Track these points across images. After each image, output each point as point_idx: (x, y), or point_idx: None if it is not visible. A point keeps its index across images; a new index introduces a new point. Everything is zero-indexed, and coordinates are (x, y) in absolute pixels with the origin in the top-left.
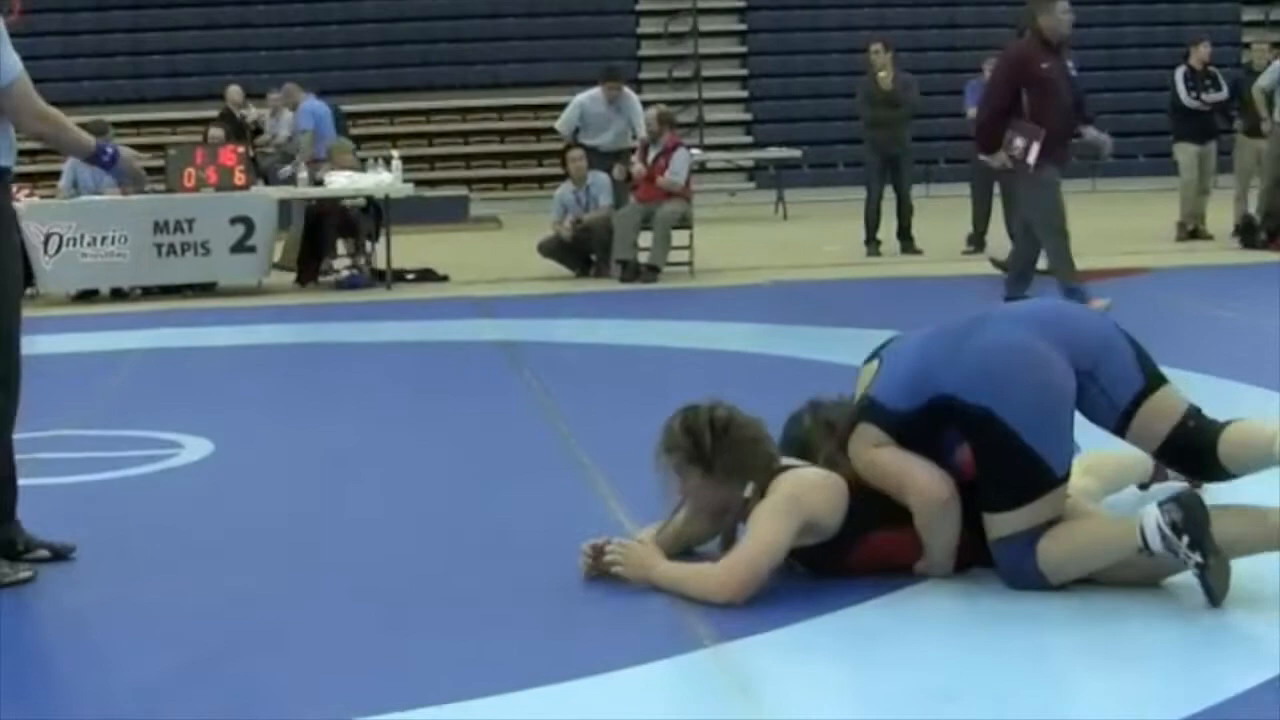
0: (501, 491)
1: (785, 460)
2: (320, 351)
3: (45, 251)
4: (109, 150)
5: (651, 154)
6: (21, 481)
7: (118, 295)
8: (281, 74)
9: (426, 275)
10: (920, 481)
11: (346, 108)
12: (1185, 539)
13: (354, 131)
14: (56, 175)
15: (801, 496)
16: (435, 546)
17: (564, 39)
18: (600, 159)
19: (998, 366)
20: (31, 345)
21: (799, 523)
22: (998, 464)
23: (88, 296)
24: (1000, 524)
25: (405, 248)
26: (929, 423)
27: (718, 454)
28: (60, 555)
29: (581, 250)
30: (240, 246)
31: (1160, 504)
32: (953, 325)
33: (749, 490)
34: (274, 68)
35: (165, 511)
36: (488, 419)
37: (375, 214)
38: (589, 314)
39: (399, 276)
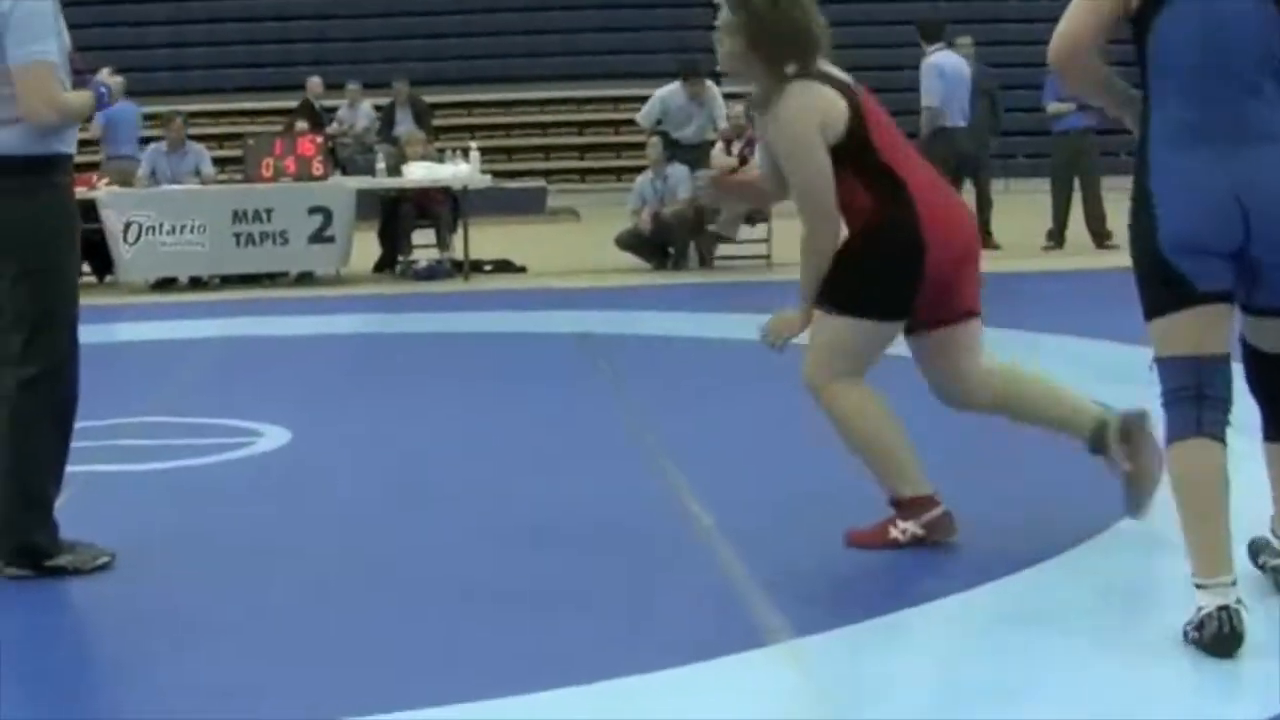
0: (575, 483)
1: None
2: (398, 341)
3: (125, 240)
4: (102, 89)
5: (736, 146)
6: (99, 468)
7: (196, 284)
8: (360, 65)
9: (504, 266)
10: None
11: (426, 98)
12: None
13: (433, 123)
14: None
15: (807, 107)
16: (507, 536)
17: (642, 30)
18: (682, 151)
19: None
20: (111, 333)
21: (818, 134)
22: None
23: (166, 285)
24: None
25: (483, 239)
26: None
27: (771, 22)
28: (77, 570)
29: (659, 243)
30: (319, 236)
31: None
32: None
33: (791, 69)
34: (352, 58)
35: (242, 499)
36: (563, 410)
37: (453, 205)
38: (665, 306)
39: (476, 267)
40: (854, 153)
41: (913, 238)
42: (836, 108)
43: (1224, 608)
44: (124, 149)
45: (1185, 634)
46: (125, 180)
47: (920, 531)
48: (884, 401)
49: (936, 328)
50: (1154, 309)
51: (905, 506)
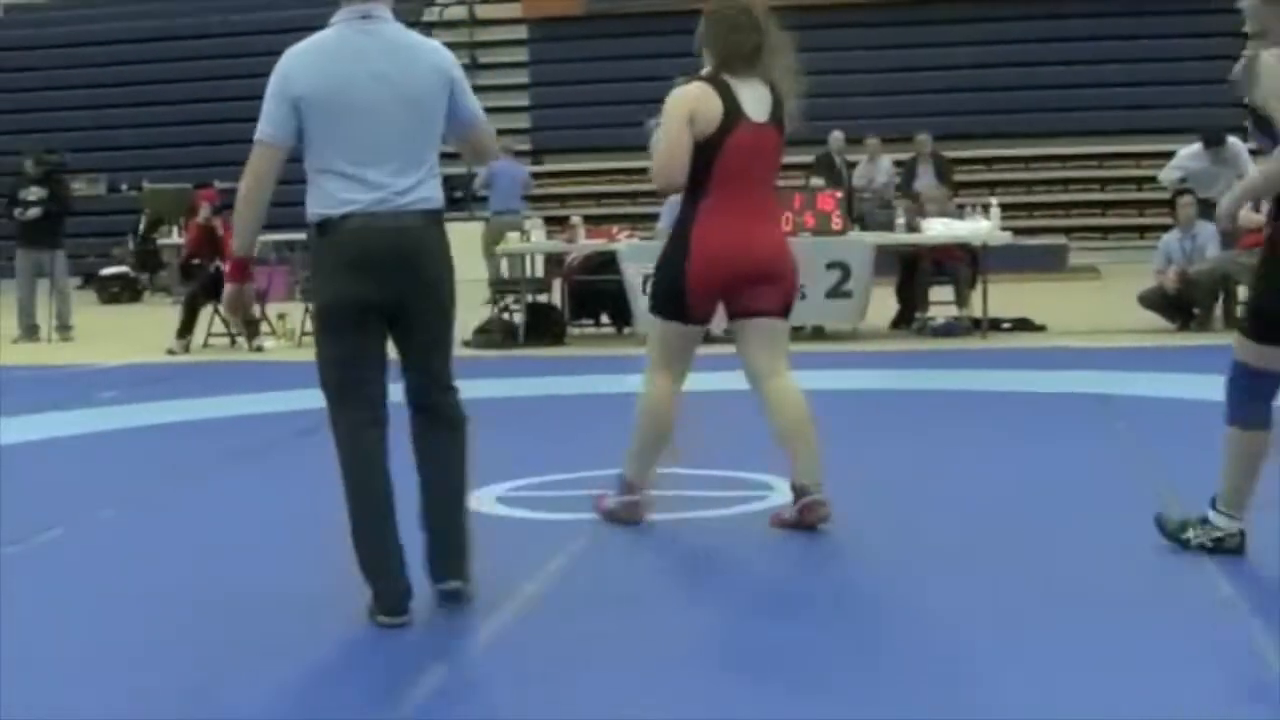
0: (1093, 545)
1: (734, 77)
2: (915, 398)
3: (643, 292)
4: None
5: (1265, 205)
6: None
7: (710, 337)
8: (881, 120)
9: (1023, 324)
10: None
11: (947, 154)
12: None
13: (954, 178)
14: (655, 217)
15: (677, 98)
16: (1027, 594)
17: (1167, 85)
18: (1210, 210)
19: None
20: (625, 384)
21: (682, 120)
22: None
23: None
24: None
25: (1002, 296)
26: None
27: (708, 26)
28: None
29: (1184, 303)
30: (836, 291)
31: None
32: None
33: (707, 71)
34: (873, 114)
35: (756, 551)
36: (1080, 472)
37: (972, 262)
38: (1189, 369)
39: (995, 325)
40: (698, 155)
41: (679, 265)
42: (711, 110)
43: None
44: (505, 203)
45: None
46: (500, 234)
47: (617, 506)
48: (672, 403)
49: (733, 319)
50: None
51: (626, 486)
